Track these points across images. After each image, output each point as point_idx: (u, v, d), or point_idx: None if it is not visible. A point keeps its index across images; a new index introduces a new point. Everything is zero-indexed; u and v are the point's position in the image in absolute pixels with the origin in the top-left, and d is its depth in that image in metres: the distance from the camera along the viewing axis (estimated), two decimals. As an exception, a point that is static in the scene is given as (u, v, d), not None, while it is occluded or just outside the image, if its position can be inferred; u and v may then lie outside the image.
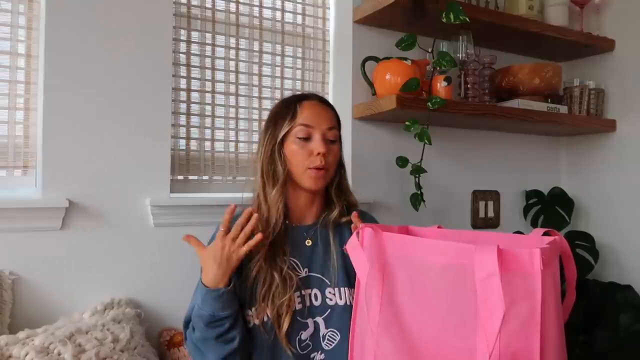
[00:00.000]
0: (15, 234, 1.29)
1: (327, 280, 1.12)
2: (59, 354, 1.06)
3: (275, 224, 1.10)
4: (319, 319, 1.09)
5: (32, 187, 1.36)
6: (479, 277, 0.67)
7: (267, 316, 1.06)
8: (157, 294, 1.46)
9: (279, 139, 1.13)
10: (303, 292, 1.10)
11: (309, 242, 1.15)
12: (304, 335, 1.08)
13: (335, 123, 1.18)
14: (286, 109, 1.15)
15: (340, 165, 1.21)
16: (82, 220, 1.36)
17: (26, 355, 1.04)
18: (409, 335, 0.78)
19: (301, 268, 1.12)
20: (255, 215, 1.01)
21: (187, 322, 1.08)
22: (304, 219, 1.18)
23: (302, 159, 1.11)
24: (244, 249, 1.00)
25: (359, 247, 0.83)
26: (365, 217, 1.25)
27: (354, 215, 1.10)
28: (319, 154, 1.10)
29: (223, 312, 1.00)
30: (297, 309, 1.08)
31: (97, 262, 1.39)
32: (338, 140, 1.18)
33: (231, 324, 1.01)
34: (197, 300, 1.03)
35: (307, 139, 1.12)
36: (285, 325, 1.05)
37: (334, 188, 1.19)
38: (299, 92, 1.27)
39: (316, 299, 1.11)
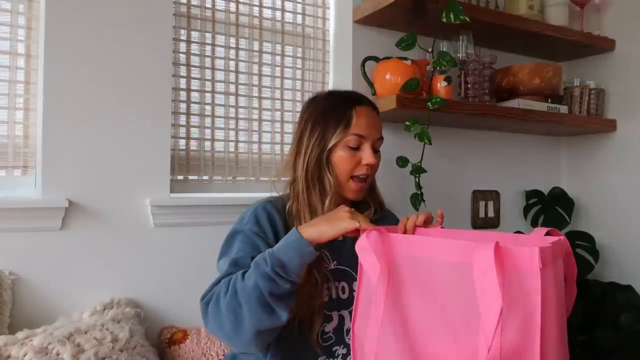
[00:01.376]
0: (15, 234, 1.29)
1: (355, 274, 1.10)
2: (58, 354, 1.06)
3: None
4: (345, 312, 1.08)
5: (32, 187, 1.36)
6: (477, 273, 0.67)
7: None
8: (157, 293, 1.45)
9: (329, 146, 1.09)
10: (330, 285, 1.08)
11: (340, 238, 1.14)
12: (328, 327, 1.07)
13: (382, 133, 1.16)
14: (340, 113, 1.10)
15: None
16: (82, 220, 1.36)
17: (25, 356, 1.04)
18: (413, 335, 0.77)
19: (330, 260, 1.11)
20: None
21: (222, 277, 0.99)
22: None
23: (349, 167, 1.10)
24: (360, 220, 0.92)
25: (369, 249, 0.82)
26: (392, 218, 1.27)
27: (438, 215, 1.09)
28: (367, 164, 1.10)
29: (293, 272, 0.90)
30: (324, 301, 1.06)
31: (96, 262, 1.39)
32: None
33: (290, 291, 0.91)
34: (238, 252, 0.97)
35: (357, 148, 1.10)
36: (317, 327, 1.04)
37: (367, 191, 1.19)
38: (349, 90, 1.22)
39: (343, 292, 1.09)
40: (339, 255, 1.12)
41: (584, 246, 2.01)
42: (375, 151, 1.14)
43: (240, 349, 0.98)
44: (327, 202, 1.08)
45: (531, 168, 2.23)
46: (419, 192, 1.64)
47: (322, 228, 0.92)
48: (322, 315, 1.05)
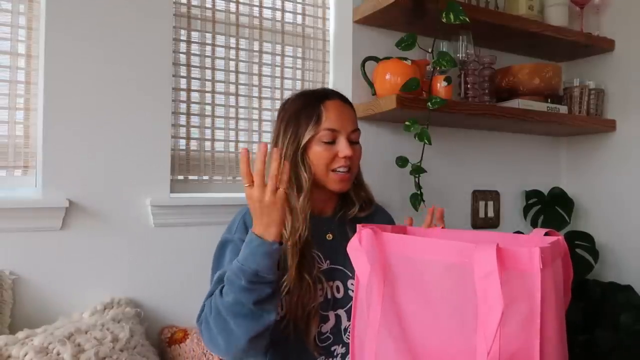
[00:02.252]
0: (16, 234, 1.29)
1: (349, 272, 1.10)
2: (58, 354, 1.06)
3: (303, 231, 1.05)
4: (341, 312, 1.08)
5: (32, 187, 1.36)
6: (478, 275, 0.67)
7: (281, 308, 1.04)
8: (157, 293, 1.46)
9: (302, 144, 1.09)
10: (325, 285, 1.08)
11: (330, 237, 1.14)
12: (325, 328, 1.07)
13: (357, 124, 1.16)
14: (310, 110, 1.10)
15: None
16: (82, 220, 1.36)
17: (25, 355, 1.04)
18: (410, 335, 0.77)
19: (323, 260, 1.11)
20: (275, 152, 0.92)
21: (209, 297, 1.00)
22: (322, 211, 1.17)
23: (326, 162, 1.09)
24: (281, 190, 0.91)
25: (360, 249, 0.82)
26: (384, 214, 1.27)
27: (439, 215, 1.11)
28: (344, 157, 1.09)
29: (268, 275, 0.90)
30: (318, 302, 1.06)
31: (97, 262, 1.39)
32: (359, 140, 1.17)
33: (272, 292, 0.92)
34: (230, 264, 0.96)
35: (332, 142, 1.10)
36: (313, 329, 1.04)
37: (352, 186, 1.18)
38: (319, 88, 1.23)
39: (338, 291, 1.09)
40: (333, 255, 1.12)
41: (583, 246, 2.01)
42: (353, 143, 1.13)
43: (239, 359, 0.99)
44: (301, 199, 1.07)
45: (531, 168, 2.23)
46: (419, 192, 1.64)
47: (269, 219, 0.91)
48: (318, 316, 1.05)
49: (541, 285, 0.66)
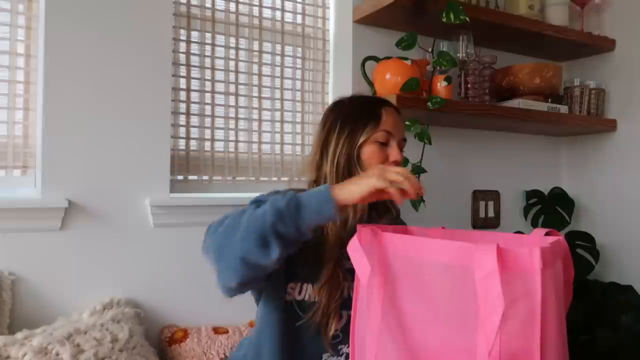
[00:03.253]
0: (15, 234, 1.29)
1: None
2: (57, 355, 1.06)
3: (351, 228, 1.04)
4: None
5: (31, 187, 1.36)
6: (479, 276, 0.67)
7: (309, 296, 1.05)
8: (157, 293, 1.45)
9: (359, 142, 1.11)
10: (350, 283, 1.08)
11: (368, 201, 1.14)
12: (337, 325, 1.06)
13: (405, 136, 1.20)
14: (369, 112, 1.14)
15: None
16: (82, 220, 1.36)
17: (24, 356, 1.04)
18: (411, 335, 0.77)
19: (347, 259, 1.11)
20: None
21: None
22: (353, 213, 1.16)
23: (379, 162, 1.11)
24: (385, 183, 0.86)
25: (360, 250, 0.82)
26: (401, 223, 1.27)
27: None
28: (394, 161, 1.11)
29: (304, 221, 0.86)
30: (344, 298, 1.07)
31: (96, 262, 1.39)
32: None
33: (290, 241, 0.88)
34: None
35: (385, 144, 1.13)
36: (333, 326, 1.04)
37: None
38: (375, 96, 1.26)
39: (352, 290, 1.10)
40: None
41: (584, 246, 2.01)
42: (402, 152, 1.17)
43: (222, 279, 0.95)
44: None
45: (531, 168, 2.22)
46: (419, 192, 1.64)
47: (350, 187, 0.88)
48: (338, 313, 1.06)
49: (542, 285, 0.66)
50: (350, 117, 1.15)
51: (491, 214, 2.10)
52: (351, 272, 1.09)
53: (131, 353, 1.18)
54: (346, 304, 1.08)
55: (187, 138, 1.59)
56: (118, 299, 1.36)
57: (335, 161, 1.12)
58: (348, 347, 1.07)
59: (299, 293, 1.05)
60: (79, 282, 1.36)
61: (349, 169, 1.11)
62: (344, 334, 1.07)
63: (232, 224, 0.91)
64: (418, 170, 1.63)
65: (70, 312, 1.29)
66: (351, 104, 1.19)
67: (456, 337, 0.72)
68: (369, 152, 1.12)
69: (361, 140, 1.12)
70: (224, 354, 1.37)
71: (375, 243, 0.83)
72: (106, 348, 1.13)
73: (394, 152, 1.13)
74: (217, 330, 1.45)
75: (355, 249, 0.83)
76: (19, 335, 1.10)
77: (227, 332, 1.45)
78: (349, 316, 1.07)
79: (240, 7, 1.69)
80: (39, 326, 1.17)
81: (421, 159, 1.63)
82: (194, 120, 1.60)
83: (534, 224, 2.13)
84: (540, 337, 0.66)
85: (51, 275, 1.32)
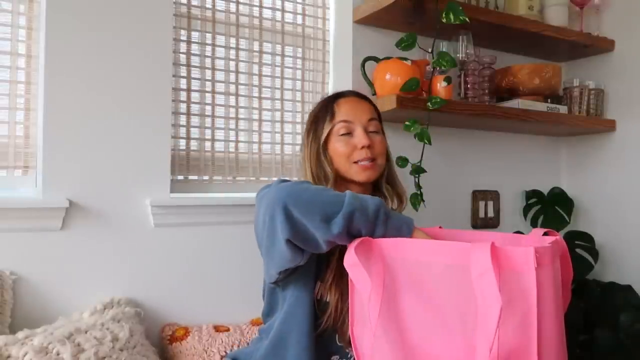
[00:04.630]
0: (16, 234, 1.29)
1: None
2: (58, 354, 1.06)
3: None
4: None
5: (32, 187, 1.36)
6: (475, 275, 0.67)
7: (321, 295, 1.05)
8: (157, 293, 1.46)
9: (322, 140, 1.15)
10: None
11: None
12: (346, 327, 1.07)
13: (375, 114, 1.20)
14: (324, 109, 1.18)
15: (388, 157, 1.23)
16: (82, 220, 1.36)
17: (25, 355, 1.04)
18: (409, 337, 0.78)
19: None
20: None
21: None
22: None
23: (347, 154, 1.14)
24: None
25: (359, 265, 0.82)
26: None
27: None
28: (363, 147, 1.12)
29: (374, 220, 0.89)
30: None
31: (97, 262, 1.39)
32: (381, 131, 1.20)
33: (353, 231, 0.88)
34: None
35: (349, 134, 1.14)
36: (347, 331, 1.03)
37: (384, 180, 1.21)
38: (336, 92, 1.28)
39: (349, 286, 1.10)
40: None
41: (583, 246, 2.01)
42: (372, 133, 1.16)
43: (278, 228, 0.91)
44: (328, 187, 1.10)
45: (531, 168, 2.23)
46: (419, 192, 1.64)
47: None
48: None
49: (537, 285, 0.66)
50: (314, 118, 1.20)
51: (491, 214, 2.10)
52: None
53: (132, 352, 1.18)
54: None
55: (188, 138, 1.59)
56: (118, 298, 1.36)
57: (310, 162, 1.16)
58: None
59: (317, 291, 1.06)
60: (80, 281, 1.37)
61: (320, 165, 1.14)
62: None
63: (311, 189, 0.93)
64: (418, 170, 1.63)
65: (71, 312, 1.30)
66: (314, 108, 1.24)
67: (456, 338, 0.72)
68: (334, 149, 1.15)
69: (323, 137, 1.15)
70: (225, 352, 1.37)
71: (370, 252, 0.83)
72: (107, 347, 1.13)
73: (359, 138, 1.14)
74: (218, 329, 1.45)
75: (353, 265, 0.82)
76: (20, 334, 1.10)
77: (228, 330, 1.45)
78: None
79: (241, 7, 1.69)
80: (40, 326, 1.17)
81: (421, 159, 1.63)
82: (195, 120, 1.60)
83: (534, 224, 2.14)
84: (538, 336, 0.66)
85: (52, 275, 1.33)
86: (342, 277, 1.04)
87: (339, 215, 0.87)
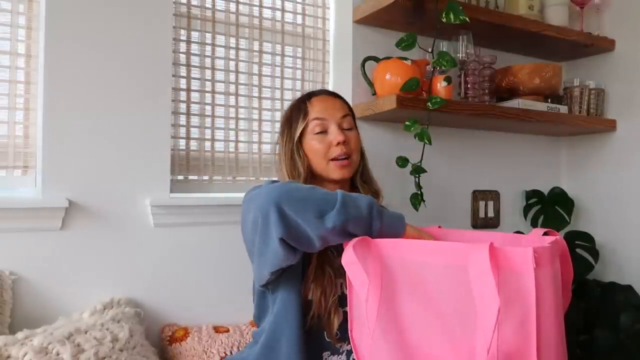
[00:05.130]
0: (16, 234, 1.29)
1: None
2: (58, 354, 1.06)
3: None
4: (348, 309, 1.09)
5: (32, 187, 1.36)
6: (473, 275, 0.67)
7: (311, 295, 1.05)
8: (157, 293, 1.46)
9: (296, 139, 1.16)
10: (342, 280, 1.08)
11: None
12: (335, 324, 1.07)
13: (348, 111, 1.21)
14: (297, 108, 1.19)
15: (362, 154, 1.24)
16: (82, 220, 1.36)
17: (25, 356, 1.04)
18: (408, 337, 0.78)
19: (336, 255, 1.12)
20: None
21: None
22: None
23: (323, 152, 1.14)
24: None
25: (357, 263, 0.82)
26: None
27: None
28: (338, 143, 1.13)
29: (367, 218, 0.90)
30: (338, 295, 1.07)
31: (97, 262, 1.39)
32: (355, 128, 1.21)
33: (341, 229, 0.88)
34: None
35: (324, 132, 1.15)
36: (336, 323, 1.05)
37: (358, 177, 1.22)
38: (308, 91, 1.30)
39: (347, 287, 1.10)
40: (342, 252, 1.12)
41: (584, 246, 2.01)
42: (346, 130, 1.18)
43: (271, 224, 0.90)
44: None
45: (531, 168, 2.23)
46: (419, 192, 1.64)
47: (421, 234, 0.96)
48: (338, 310, 1.06)
49: (536, 285, 0.66)
50: (287, 119, 1.21)
51: (491, 214, 2.10)
52: (342, 269, 1.09)
53: (132, 352, 1.18)
54: (344, 301, 1.09)
55: (187, 138, 1.59)
56: (118, 298, 1.36)
57: (285, 162, 1.17)
58: (347, 344, 1.07)
59: (303, 291, 1.06)
60: (80, 281, 1.36)
61: (294, 164, 1.15)
62: (342, 333, 1.08)
63: (304, 189, 0.93)
64: (418, 170, 1.63)
65: (71, 312, 1.30)
66: (287, 109, 1.24)
67: (455, 338, 0.72)
68: (310, 147, 1.16)
69: (296, 135, 1.16)
70: (225, 353, 1.37)
71: (369, 251, 0.83)
72: (106, 347, 1.13)
73: (333, 135, 1.14)
74: (217, 329, 1.45)
75: (351, 263, 0.82)
76: (20, 334, 1.10)
77: (227, 330, 1.45)
78: (345, 313, 1.07)
79: (241, 7, 1.69)
80: (40, 326, 1.17)
81: (421, 159, 1.63)
82: (194, 120, 1.60)
83: (534, 224, 2.14)
84: (537, 336, 0.66)
85: (52, 275, 1.33)
86: (323, 274, 1.06)
87: (333, 210, 0.87)
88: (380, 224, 0.90)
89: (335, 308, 1.06)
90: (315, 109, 1.17)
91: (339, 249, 1.11)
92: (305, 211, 0.88)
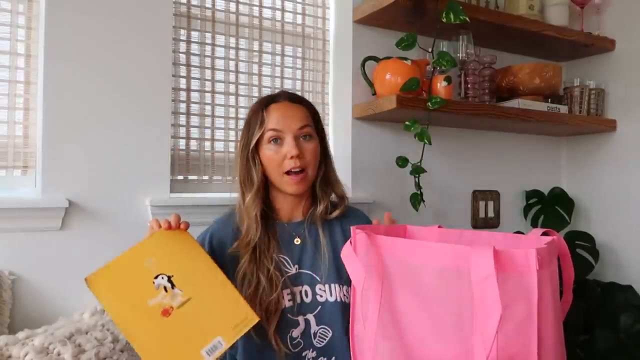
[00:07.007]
0: (15, 234, 1.29)
1: (317, 277, 1.12)
2: (59, 354, 1.06)
3: (254, 231, 1.09)
4: (310, 316, 1.09)
5: (31, 187, 1.36)
6: (476, 279, 0.67)
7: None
8: (157, 294, 1.45)
9: (252, 146, 1.12)
10: (293, 290, 1.09)
11: (297, 241, 1.15)
12: (295, 332, 1.08)
13: (308, 120, 1.14)
14: (256, 115, 1.14)
15: (325, 157, 1.19)
16: (82, 220, 1.36)
17: (26, 356, 1.04)
18: (407, 338, 0.77)
19: (291, 264, 1.12)
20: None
21: None
22: (292, 216, 1.18)
23: (278, 164, 1.11)
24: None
25: (354, 256, 0.82)
26: (357, 215, 1.24)
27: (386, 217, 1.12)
28: (292, 157, 1.09)
29: None
30: (286, 306, 1.08)
31: (97, 261, 1.38)
32: (314, 135, 1.15)
33: None
34: None
35: (279, 143, 1.11)
36: (273, 324, 1.04)
37: (319, 182, 1.18)
38: (271, 93, 1.24)
39: (306, 295, 1.10)
40: (300, 260, 1.13)
41: (584, 246, 2.01)
42: (305, 139, 1.12)
43: None
44: (248, 198, 1.11)
45: (531, 168, 2.23)
46: (419, 192, 1.64)
47: None
48: (280, 312, 1.06)
49: (538, 286, 0.66)
50: (246, 124, 1.16)
51: (491, 214, 2.10)
52: (297, 277, 1.10)
53: (132, 353, 1.18)
54: (301, 309, 1.08)
55: (187, 138, 1.59)
56: (118, 298, 1.35)
57: (239, 166, 1.14)
58: (312, 351, 1.08)
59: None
60: (79, 282, 1.35)
61: (249, 173, 1.12)
62: (305, 340, 1.08)
63: None
64: (418, 170, 1.63)
65: (71, 312, 1.29)
66: (249, 111, 1.19)
67: (453, 340, 0.72)
68: (265, 156, 1.12)
69: (252, 143, 1.12)
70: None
71: (370, 247, 0.83)
72: (107, 348, 1.13)
73: (288, 148, 1.10)
74: (217, 330, 1.45)
75: (348, 255, 0.82)
76: (21, 334, 1.10)
77: (227, 331, 1.45)
78: (306, 321, 1.08)
79: (240, 7, 1.69)
80: (39, 326, 1.17)
81: (421, 159, 1.63)
82: (194, 120, 1.60)
83: (534, 224, 2.14)
84: (538, 337, 0.66)
85: (52, 275, 1.33)
86: (258, 283, 1.06)
87: None
88: None
89: (274, 313, 1.05)
90: (272, 118, 1.11)
91: (294, 258, 1.13)
92: None
